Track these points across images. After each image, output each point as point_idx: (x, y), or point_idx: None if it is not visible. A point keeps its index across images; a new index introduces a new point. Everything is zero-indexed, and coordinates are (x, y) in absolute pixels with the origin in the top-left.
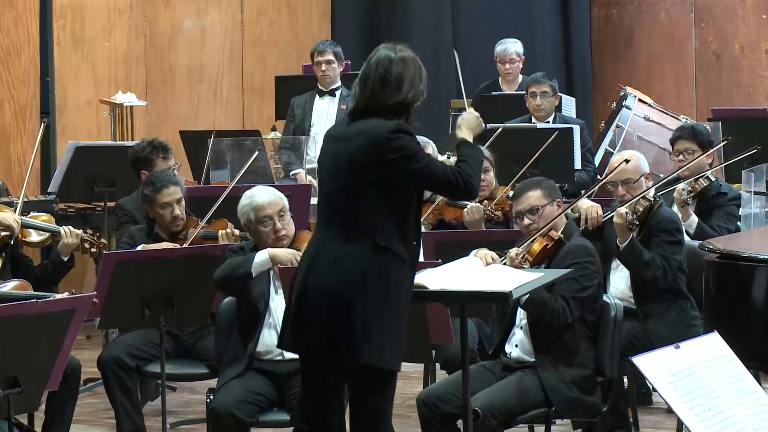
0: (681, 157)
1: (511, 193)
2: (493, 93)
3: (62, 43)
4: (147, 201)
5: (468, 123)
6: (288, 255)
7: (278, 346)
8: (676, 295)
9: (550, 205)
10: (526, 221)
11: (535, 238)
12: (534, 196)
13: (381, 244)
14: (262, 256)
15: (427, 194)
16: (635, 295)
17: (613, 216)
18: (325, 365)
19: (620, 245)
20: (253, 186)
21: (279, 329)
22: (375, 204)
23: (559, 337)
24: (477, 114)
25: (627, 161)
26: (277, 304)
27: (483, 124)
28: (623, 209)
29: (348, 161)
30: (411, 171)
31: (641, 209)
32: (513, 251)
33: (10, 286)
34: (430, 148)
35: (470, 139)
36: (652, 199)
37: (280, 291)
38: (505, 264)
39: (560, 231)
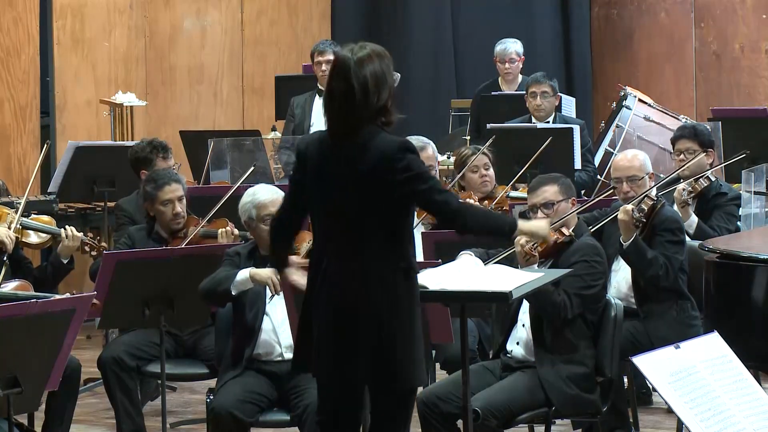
0: (682, 156)
1: (511, 193)
2: (493, 93)
3: (62, 43)
4: (148, 198)
5: (535, 231)
6: (268, 273)
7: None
8: (677, 295)
9: (564, 202)
10: (540, 215)
11: None
12: (551, 191)
13: (402, 265)
14: (242, 275)
15: None
16: (636, 295)
17: (615, 216)
18: (354, 384)
19: (624, 243)
20: (254, 185)
21: (278, 331)
22: (384, 221)
23: (559, 334)
24: (549, 230)
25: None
26: (275, 305)
27: (548, 239)
28: (629, 206)
29: (353, 178)
30: (415, 192)
31: (646, 208)
32: (523, 238)
33: (10, 287)
34: (430, 148)
35: (521, 227)
36: (655, 199)
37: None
38: (513, 251)
39: (571, 229)
